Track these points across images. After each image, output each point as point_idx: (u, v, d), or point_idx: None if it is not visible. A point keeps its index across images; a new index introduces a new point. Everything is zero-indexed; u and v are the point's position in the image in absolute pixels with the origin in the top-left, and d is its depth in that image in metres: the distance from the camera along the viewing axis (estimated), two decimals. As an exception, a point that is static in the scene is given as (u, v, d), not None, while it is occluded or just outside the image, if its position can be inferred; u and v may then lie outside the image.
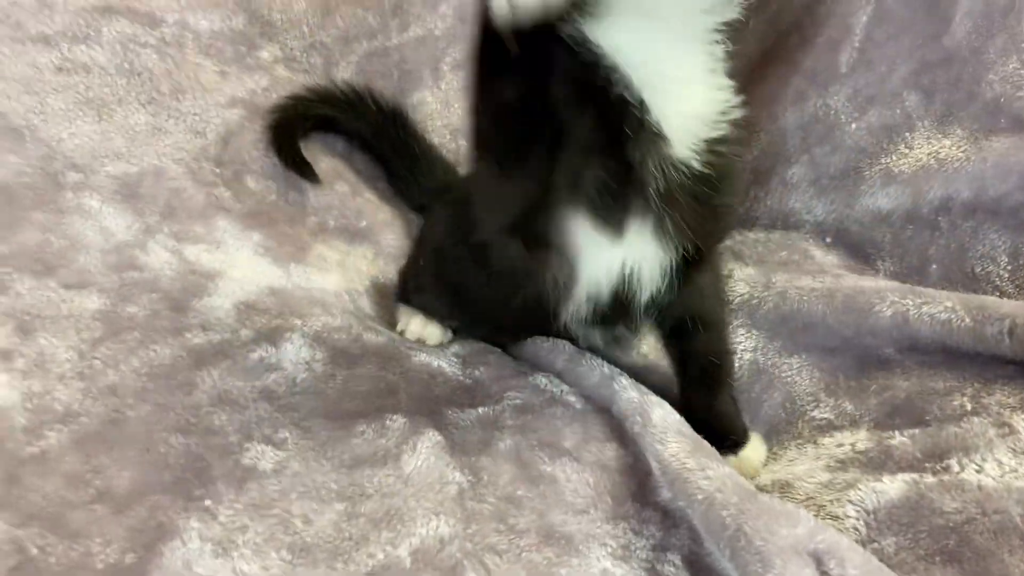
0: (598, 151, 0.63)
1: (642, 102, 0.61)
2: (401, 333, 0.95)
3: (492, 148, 0.67)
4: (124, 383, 0.74)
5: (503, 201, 0.71)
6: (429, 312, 0.95)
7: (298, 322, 0.87)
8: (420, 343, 0.93)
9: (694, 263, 0.71)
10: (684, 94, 0.63)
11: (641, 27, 0.60)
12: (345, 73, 1.22)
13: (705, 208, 0.67)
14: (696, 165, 0.64)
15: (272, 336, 0.84)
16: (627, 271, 0.71)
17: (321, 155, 1.15)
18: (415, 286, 0.97)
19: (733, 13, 0.62)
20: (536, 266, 0.73)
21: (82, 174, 0.94)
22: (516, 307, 0.80)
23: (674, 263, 0.70)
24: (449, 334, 0.96)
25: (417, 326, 0.95)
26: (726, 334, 0.85)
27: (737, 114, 0.66)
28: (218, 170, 1.05)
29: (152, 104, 1.05)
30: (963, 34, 0.96)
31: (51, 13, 1.03)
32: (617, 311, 0.76)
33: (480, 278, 0.83)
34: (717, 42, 0.63)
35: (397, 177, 1.16)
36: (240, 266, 0.94)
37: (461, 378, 0.85)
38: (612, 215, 0.67)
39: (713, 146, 0.65)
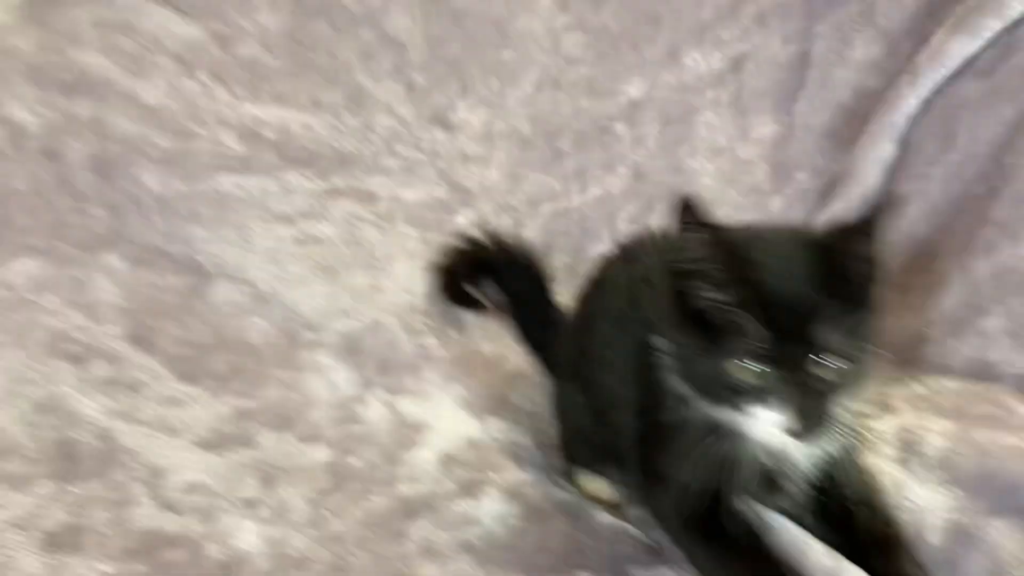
0: None
1: None
2: (572, 483, 0.97)
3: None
4: (348, 532, 0.83)
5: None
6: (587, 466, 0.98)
7: (495, 476, 0.94)
8: (599, 500, 0.96)
9: None
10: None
11: None
12: (531, 232, 1.34)
13: None
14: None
15: (472, 489, 0.91)
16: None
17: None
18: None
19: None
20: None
21: (315, 332, 1.09)
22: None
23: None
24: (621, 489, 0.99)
25: (590, 483, 0.97)
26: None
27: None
28: (427, 320, 1.17)
29: (371, 268, 1.20)
30: None
31: (291, 196, 1.22)
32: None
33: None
34: None
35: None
36: (444, 417, 1.04)
37: (644, 539, 0.88)
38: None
39: None
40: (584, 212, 1.37)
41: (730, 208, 1.34)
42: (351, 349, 1.08)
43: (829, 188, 1.30)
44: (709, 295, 0.63)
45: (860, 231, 0.64)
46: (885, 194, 1.21)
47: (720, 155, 1.37)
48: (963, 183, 1.11)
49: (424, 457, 0.96)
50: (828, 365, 0.62)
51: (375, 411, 1.01)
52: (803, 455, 0.71)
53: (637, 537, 0.90)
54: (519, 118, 1.39)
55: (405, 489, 0.90)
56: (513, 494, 0.91)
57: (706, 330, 0.64)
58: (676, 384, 0.70)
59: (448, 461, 0.96)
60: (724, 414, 0.67)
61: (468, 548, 0.83)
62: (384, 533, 0.84)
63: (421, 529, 0.85)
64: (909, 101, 1.19)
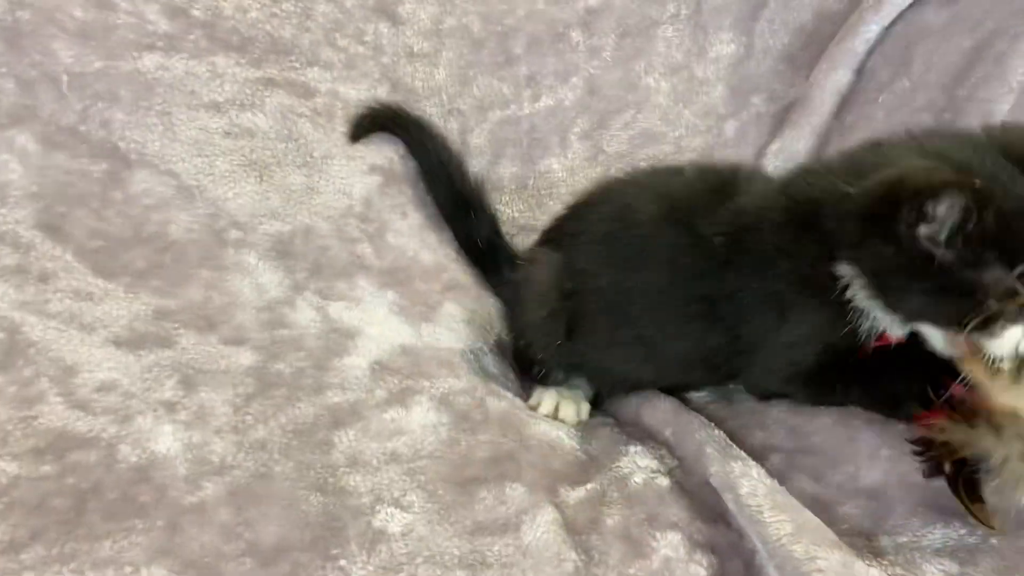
0: None
1: None
2: (535, 408, 0.99)
3: None
4: (272, 439, 0.80)
5: None
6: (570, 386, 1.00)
7: (427, 384, 0.92)
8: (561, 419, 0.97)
9: None
10: None
11: None
12: (479, 139, 1.29)
13: None
14: None
15: (403, 398, 0.89)
16: None
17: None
18: (551, 359, 1.00)
19: None
20: None
21: (242, 232, 1.03)
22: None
23: None
24: (586, 411, 1.00)
25: (549, 406, 0.99)
26: None
27: None
28: (363, 226, 1.12)
29: (306, 167, 1.14)
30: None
31: (221, 83, 1.14)
32: None
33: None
34: None
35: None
36: (377, 323, 1.00)
37: (577, 452, 0.88)
38: None
39: None
40: (535, 122, 1.32)
41: (683, 130, 1.31)
42: (281, 251, 1.03)
43: (784, 114, 1.28)
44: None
45: None
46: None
47: (676, 73, 1.33)
48: (910, 111, 1.10)
49: (355, 364, 0.93)
50: None
51: (305, 315, 0.97)
52: None
53: (570, 451, 0.90)
54: (470, 15, 1.32)
55: (333, 397, 0.87)
56: (445, 403, 0.90)
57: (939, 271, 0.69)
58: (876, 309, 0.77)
59: (379, 369, 0.93)
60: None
61: (395, 458, 0.81)
62: (309, 442, 0.81)
63: (348, 438, 0.83)
64: (871, 27, 1.16)
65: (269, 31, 1.20)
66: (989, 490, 0.71)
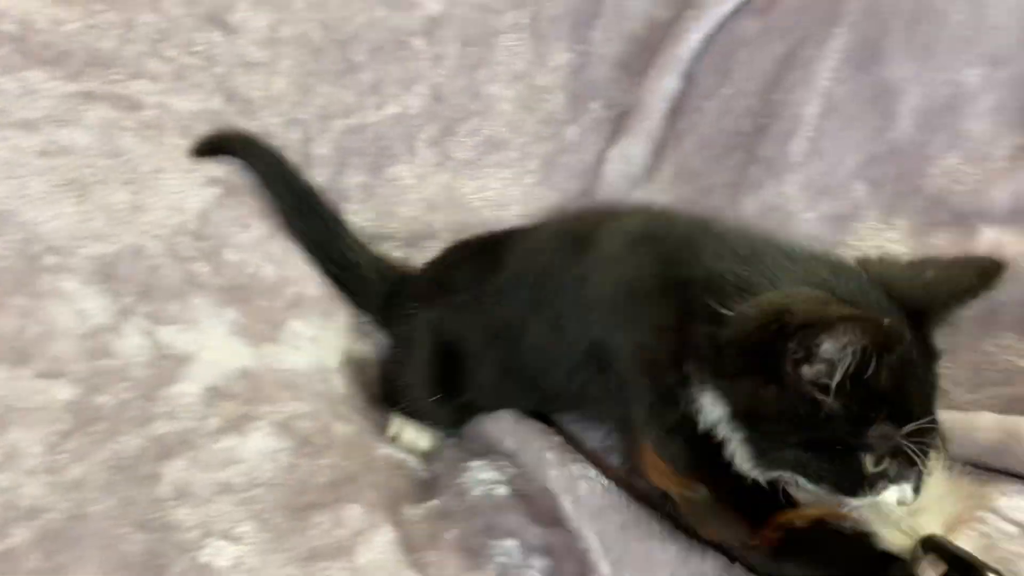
0: None
1: None
2: (393, 439, 0.97)
3: None
4: (90, 477, 0.76)
5: None
6: (423, 416, 0.98)
7: (267, 409, 0.89)
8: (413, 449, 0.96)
9: None
10: None
11: None
12: (322, 149, 1.27)
13: None
14: None
15: (239, 424, 0.86)
16: None
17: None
18: (410, 393, 0.98)
19: None
20: None
21: (60, 256, 0.97)
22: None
23: None
24: (441, 436, 0.99)
25: (409, 435, 0.97)
26: None
27: None
28: (197, 244, 1.08)
29: (132, 184, 1.09)
30: (907, 128, 1.00)
31: (34, 99, 1.07)
32: None
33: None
34: None
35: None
36: (212, 347, 0.97)
37: (421, 471, 0.89)
38: None
39: None
40: (380, 130, 1.31)
41: (528, 137, 1.33)
42: (105, 274, 0.97)
43: (621, 120, 1.32)
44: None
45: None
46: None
47: (519, 81, 1.35)
48: (733, 117, 1.16)
49: (186, 391, 0.89)
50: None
51: (132, 343, 0.93)
52: None
53: (415, 471, 0.90)
54: (309, 23, 1.29)
55: (161, 427, 0.84)
56: (286, 428, 0.88)
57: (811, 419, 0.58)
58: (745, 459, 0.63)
59: (214, 395, 0.90)
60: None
61: (228, 488, 0.79)
62: (133, 476, 0.78)
63: (176, 470, 0.80)
64: (693, 36, 1.22)
65: (88, 43, 1.14)
66: None
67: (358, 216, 1.29)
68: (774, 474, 0.63)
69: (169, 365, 0.92)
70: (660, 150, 1.26)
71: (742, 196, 1.10)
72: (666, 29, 1.27)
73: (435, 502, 0.83)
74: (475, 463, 0.88)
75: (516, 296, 0.85)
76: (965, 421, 0.76)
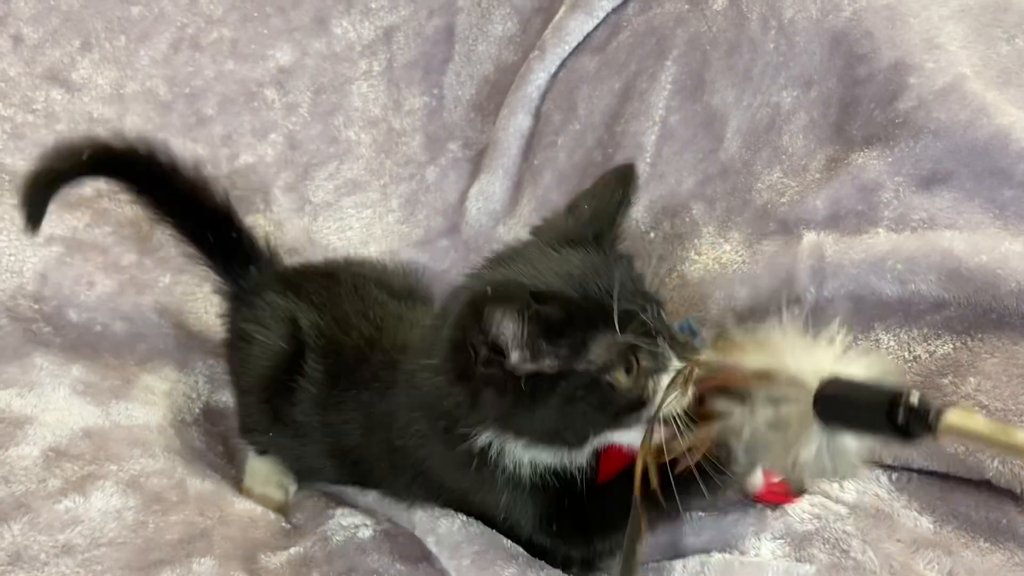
0: None
1: None
2: (247, 494, 0.93)
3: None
4: (-90, 549, 0.71)
5: None
6: (275, 454, 0.95)
7: (113, 468, 0.86)
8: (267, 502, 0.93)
9: None
10: None
11: None
12: (175, 202, 1.24)
13: None
14: None
15: (81, 485, 0.82)
16: None
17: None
18: (253, 425, 0.95)
19: None
20: None
21: None
22: None
23: None
24: (292, 490, 0.96)
25: (260, 487, 0.94)
26: None
27: None
28: (36, 306, 1.04)
29: (-36, 248, 1.04)
30: (735, 148, 1.07)
31: None
32: None
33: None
34: None
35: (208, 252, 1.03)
36: (54, 409, 0.92)
37: (282, 524, 0.86)
38: None
39: None
40: (235, 180, 1.30)
41: (388, 178, 1.35)
42: (-67, 341, 0.92)
43: (479, 158, 1.36)
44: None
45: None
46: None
47: (375, 125, 1.37)
48: (585, 150, 1.21)
49: (24, 454, 0.85)
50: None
51: (-38, 410, 0.87)
52: None
53: (274, 522, 0.87)
54: (154, 79, 1.28)
55: (-5, 492, 0.79)
56: (134, 486, 0.84)
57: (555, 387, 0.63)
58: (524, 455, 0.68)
59: (55, 456, 0.86)
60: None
61: (69, 550, 0.75)
62: (-38, 545, 0.73)
63: (12, 534, 0.75)
64: (539, 75, 1.27)
65: (-87, 103, 1.10)
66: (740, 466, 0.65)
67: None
68: (584, 449, 0.67)
69: (5, 429, 0.87)
70: (518, 185, 1.30)
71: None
72: (514, 71, 1.32)
73: (296, 549, 0.80)
74: (339, 511, 0.86)
75: None
76: None
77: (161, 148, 0.97)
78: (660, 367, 0.64)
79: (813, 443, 0.56)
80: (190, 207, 0.99)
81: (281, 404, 0.88)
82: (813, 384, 0.55)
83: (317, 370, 0.86)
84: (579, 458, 0.68)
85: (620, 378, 0.63)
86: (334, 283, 0.94)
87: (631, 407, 0.63)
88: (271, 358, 0.90)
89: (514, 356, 0.62)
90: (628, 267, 0.68)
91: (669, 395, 0.63)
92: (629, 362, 0.63)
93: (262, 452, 0.97)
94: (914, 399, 0.50)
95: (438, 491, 0.77)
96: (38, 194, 0.93)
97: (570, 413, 0.63)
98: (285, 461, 0.95)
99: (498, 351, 0.61)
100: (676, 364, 0.64)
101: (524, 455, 0.68)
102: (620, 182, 0.70)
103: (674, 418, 0.62)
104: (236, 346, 0.96)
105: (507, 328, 0.60)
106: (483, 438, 0.67)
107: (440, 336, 0.66)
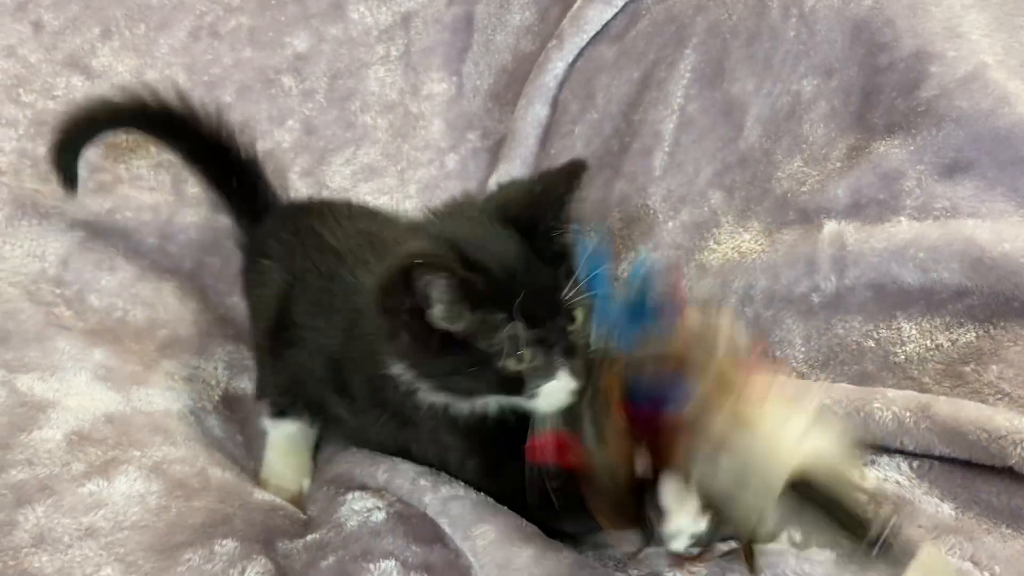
0: None
1: None
2: (263, 484, 0.94)
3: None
4: (-63, 530, 0.72)
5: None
6: (286, 414, 0.97)
7: (136, 453, 0.86)
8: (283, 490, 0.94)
9: None
10: None
11: None
12: (195, 189, 1.24)
13: None
14: None
15: (105, 469, 0.83)
16: None
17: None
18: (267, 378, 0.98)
19: None
20: None
21: (-94, 308, 0.92)
22: None
23: None
24: (307, 483, 0.96)
25: (276, 478, 0.95)
26: None
27: None
28: (58, 290, 1.04)
29: (-12, 231, 1.04)
30: (755, 137, 1.06)
31: None
32: None
33: None
34: None
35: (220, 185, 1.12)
36: (76, 393, 0.93)
37: (299, 514, 0.87)
38: None
39: None
40: (252, 167, 1.30)
41: (405, 163, 1.35)
42: (-43, 324, 0.93)
43: (498, 147, 1.36)
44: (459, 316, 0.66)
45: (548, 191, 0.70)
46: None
47: (392, 110, 1.37)
48: (602, 139, 1.21)
49: (47, 437, 0.85)
50: (575, 319, 0.69)
51: (-14, 392, 0.88)
52: None
53: (292, 513, 0.88)
54: (173, 67, 1.28)
55: (19, 474, 0.80)
56: (156, 471, 0.85)
57: (461, 347, 0.67)
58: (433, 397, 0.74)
59: (78, 440, 0.86)
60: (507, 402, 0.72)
61: (92, 533, 0.76)
62: (-14, 526, 0.74)
63: (36, 516, 0.76)
64: (557, 64, 1.27)
65: (-63, 89, 1.11)
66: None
67: (236, 253, 1.27)
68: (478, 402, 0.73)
69: (28, 412, 0.88)
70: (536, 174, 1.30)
71: (610, 211, 1.14)
72: (531, 60, 1.32)
73: (313, 536, 0.81)
74: (350, 495, 0.86)
75: None
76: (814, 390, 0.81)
77: (186, 99, 1.05)
78: (549, 372, 0.68)
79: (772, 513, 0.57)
80: (215, 154, 1.07)
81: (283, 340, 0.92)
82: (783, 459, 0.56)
83: (303, 298, 0.91)
84: (484, 408, 0.74)
85: (509, 365, 0.67)
86: (328, 213, 0.98)
87: (513, 388, 0.68)
88: (276, 295, 0.94)
89: (435, 312, 0.66)
90: (559, 262, 0.69)
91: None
92: (520, 357, 0.67)
93: (279, 413, 0.98)
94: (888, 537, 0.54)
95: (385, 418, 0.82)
96: (69, 145, 1.04)
97: (466, 373, 0.69)
98: (293, 409, 0.96)
99: (420, 308, 0.66)
100: (568, 383, 0.67)
101: (433, 397, 0.74)
102: (569, 175, 0.71)
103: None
104: (249, 291, 1.04)
105: (432, 292, 0.65)
106: (396, 368, 0.73)
107: (380, 276, 0.71)
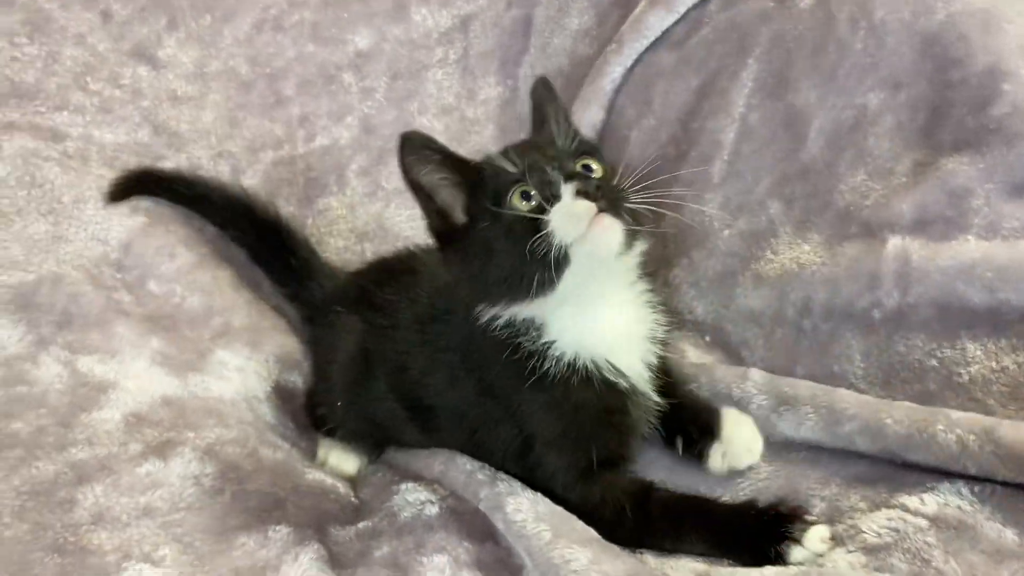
0: None
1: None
2: (322, 464, 0.96)
3: None
4: (2, 502, 0.73)
5: None
6: (347, 439, 0.98)
7: (191, 435, 0.88)
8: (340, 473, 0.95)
9: None
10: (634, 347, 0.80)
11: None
12: (252, 180, 1.26)
13: None
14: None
15: (161, 450, 0.84)
16: None
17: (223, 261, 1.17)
18: (331, 414, 0.98)
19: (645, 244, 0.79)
20: None
21: (-27, 287, 0.95)
22: None
23: None
24: (366, 460, 0.98)
25: (336, 459, 0.97)
26: None
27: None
28: (119, 275, 1.06)
29: (52, 214, 1.07)
30: (817, 149, 1.05)
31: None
32: None
33: None
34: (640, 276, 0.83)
35: (280, 282, 1.16)
36: (134, 376, 0.95)
37: (351, 498, 0.88)
38: None
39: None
40: (310, 162, 1.32)
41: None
42: (22, 304, 0.95)
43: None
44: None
45: None
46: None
47: (448, 114, 1.37)
48: (657, 145, 1.20)
49: (106, 418, 0.87)
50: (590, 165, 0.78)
51: (49, 371, 0.90)
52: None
53: (344, 496, 0.89)
54: (237, 58, 1.30)
55: (79, 453, 0.82)
56: (211, 454, 0.86)
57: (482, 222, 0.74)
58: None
59: (135, 422, 0.88)
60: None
61: (149, 512, 0.77)
62: (49, 501, 0.76)
63: (95, 495, 0.77)
64: (615, 69, 1.26)
65: (8, 76, 1.14)
66: None
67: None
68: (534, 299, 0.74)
69: (88, 393, 0.90)
70: (588, 179, 1.29)
71: (662, 216, 1.13)
72: (588, 64, 1.32)
73: (365, 523, 0.82)
74: (404, 486, 0.87)
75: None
76: (876, 407, 0.79)
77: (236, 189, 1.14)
78: (554, 192, 0.73)
79: None
80: (264, 243, 1.14)
81: (359, 394, 0.94)
82: None
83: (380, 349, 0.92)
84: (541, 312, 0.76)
85: (516, 202, 0.73)
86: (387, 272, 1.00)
87: (541, 242, 0.70)
88: (349, 366, 0.94)
89: (440, 197, 0.77)
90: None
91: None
92: (526, 193, 0.73)
93: (329, 432, 0.99)
94: None
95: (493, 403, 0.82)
96: (120, 192, 1.12)
97: (500, 249, 0.73)
98: (355, 435, 0.97)
99: (428, 196, 0.77)
100: (568, 189, 0.72)
101: (504, 317, 0.76)
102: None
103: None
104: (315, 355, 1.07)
105: (418, 170, 0.77)
106: (485, 312, 0.77)
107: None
